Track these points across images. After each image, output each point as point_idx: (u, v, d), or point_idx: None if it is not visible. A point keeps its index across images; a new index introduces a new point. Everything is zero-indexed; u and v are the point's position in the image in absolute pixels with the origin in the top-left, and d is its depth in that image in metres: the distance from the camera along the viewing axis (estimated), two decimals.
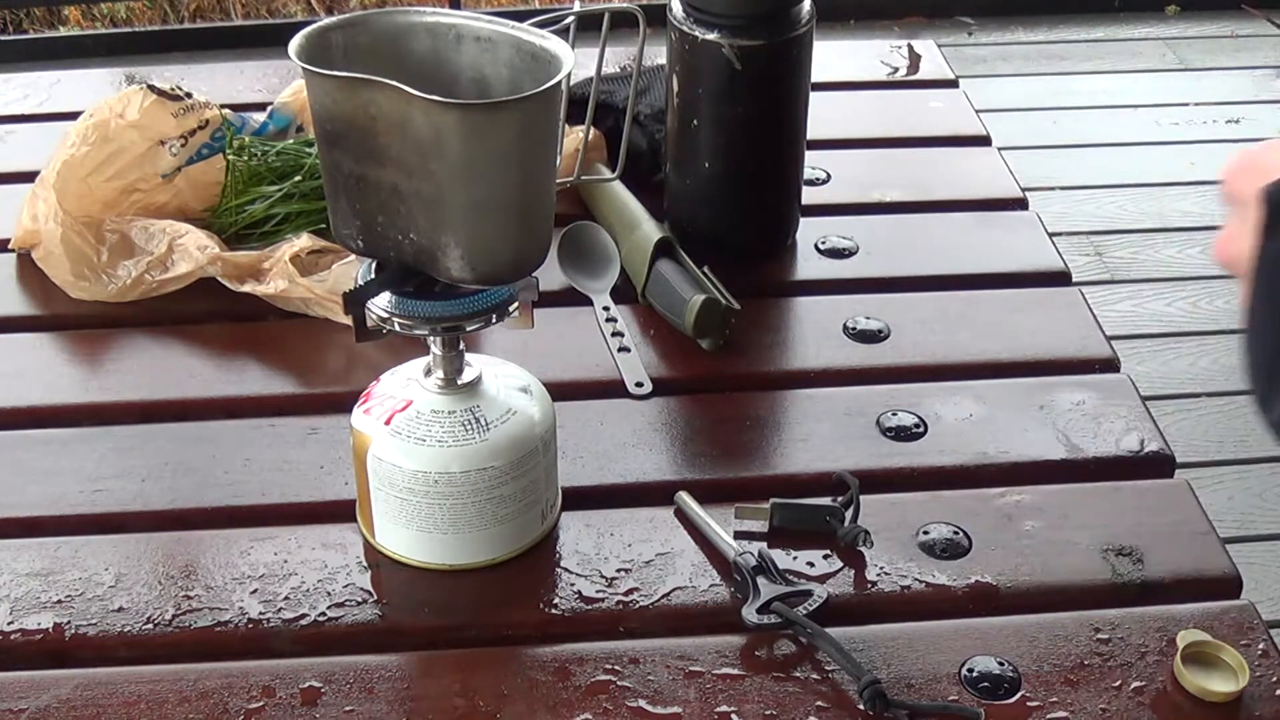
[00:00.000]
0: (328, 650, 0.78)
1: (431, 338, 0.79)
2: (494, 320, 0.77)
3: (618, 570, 0.82)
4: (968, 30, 3.45)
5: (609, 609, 0.80)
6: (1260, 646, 0.76)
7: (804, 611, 0.77)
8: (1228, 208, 0.69)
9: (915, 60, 1.44)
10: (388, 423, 0.79)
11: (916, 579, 0.82)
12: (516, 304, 0.78)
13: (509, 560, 0.83)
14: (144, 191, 1.10)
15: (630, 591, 0.81)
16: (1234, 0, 3.50)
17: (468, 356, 0.81)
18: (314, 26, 0.75)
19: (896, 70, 1.43)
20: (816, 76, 1.08)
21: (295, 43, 0.73)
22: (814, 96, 1.09)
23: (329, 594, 0.81)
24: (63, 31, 3.54)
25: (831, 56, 1.37)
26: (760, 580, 0.79)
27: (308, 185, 1.10)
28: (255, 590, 0.81)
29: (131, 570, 0.82)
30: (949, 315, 1.06)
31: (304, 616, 0.79)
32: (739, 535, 0.84)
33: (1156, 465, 0.91)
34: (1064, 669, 0.75)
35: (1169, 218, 2.61)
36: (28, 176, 1.11)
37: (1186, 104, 3.02)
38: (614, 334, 1.02)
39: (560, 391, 0.86)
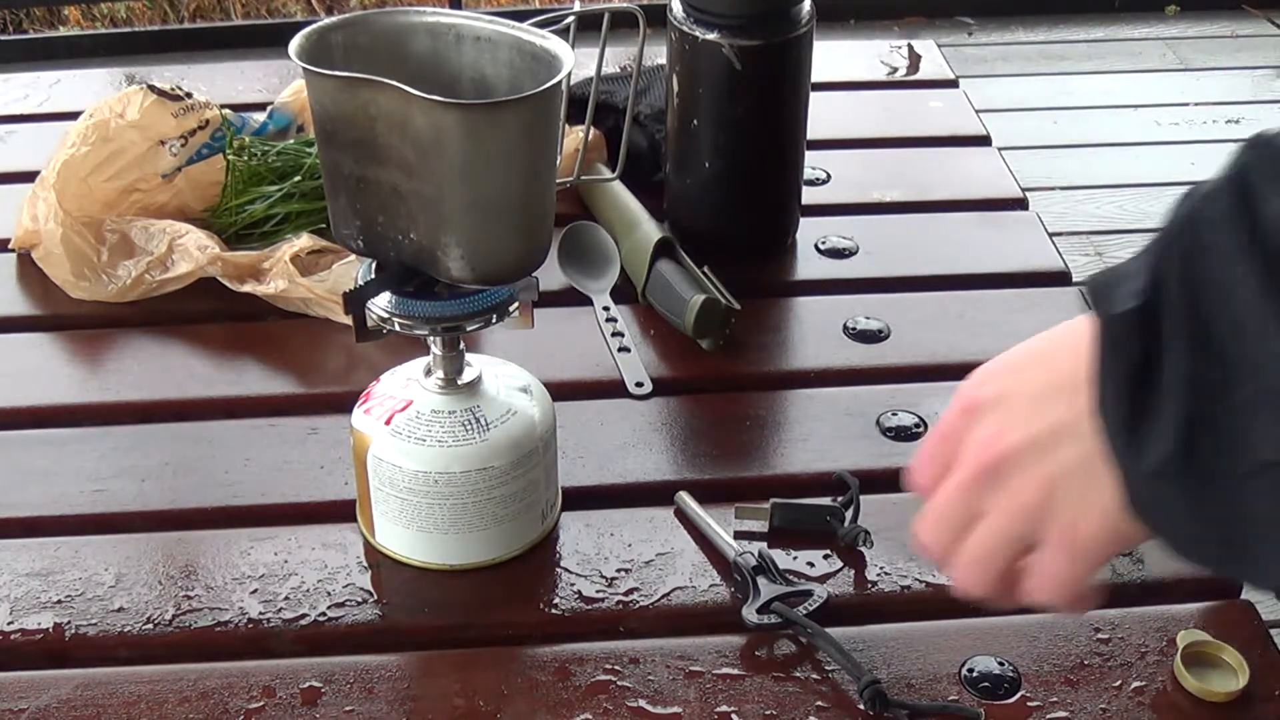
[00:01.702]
0: (328, 650, 0.78)
1: (431, 338, 0.79)
2: (494, 320, 0.77)
3: (618, 570, 0.82)
4: (968, 30, 3.45)
5: (609, 609, 0.80)
6: (1260, 646, 0.76)
7: (804, 612, 0.77)
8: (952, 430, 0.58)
9: (915, 60, 1.44)
10: (388, 423, 0.79)
11: (916, 579, 0.82)
12: (516, 304, 0.78)
13: (509, 560, 0.83)
14: (144, 191, 1.10)
15: (630, 591, 0.81)
16: (1234, 0, 3.51)
17: (468, 356, 0.81)
18: (314, 26, 0.75)
19: (896, 70, 1.43)
20: (816, 76, 1.08)
21: (295, 43, 0.73)
22: (814, 96, 1.09)
23: (329, 594, 0.81)
24: (63, 31, 3.54)
25: (831, 56, 1.37)
26: (760, 580, 0.79)
27: (308, 185, 1.10)
28: (255, 590, 0.81)
29: (131, 570, 0.82)
30: (949, 315, 1.06)
31: (304, 616, 0.79)
32: (739, 535, 0.84)
33: None
34: (1064, 669, 0.75)
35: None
36: (28, 176, 1.11)
37: (1186, 104, 3.03)
38: (614, 334, 1.02)
39: (560, 391, 0.86)
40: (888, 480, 0.89)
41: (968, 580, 0.59)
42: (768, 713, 0.73)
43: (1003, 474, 0.56)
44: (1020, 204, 1.20)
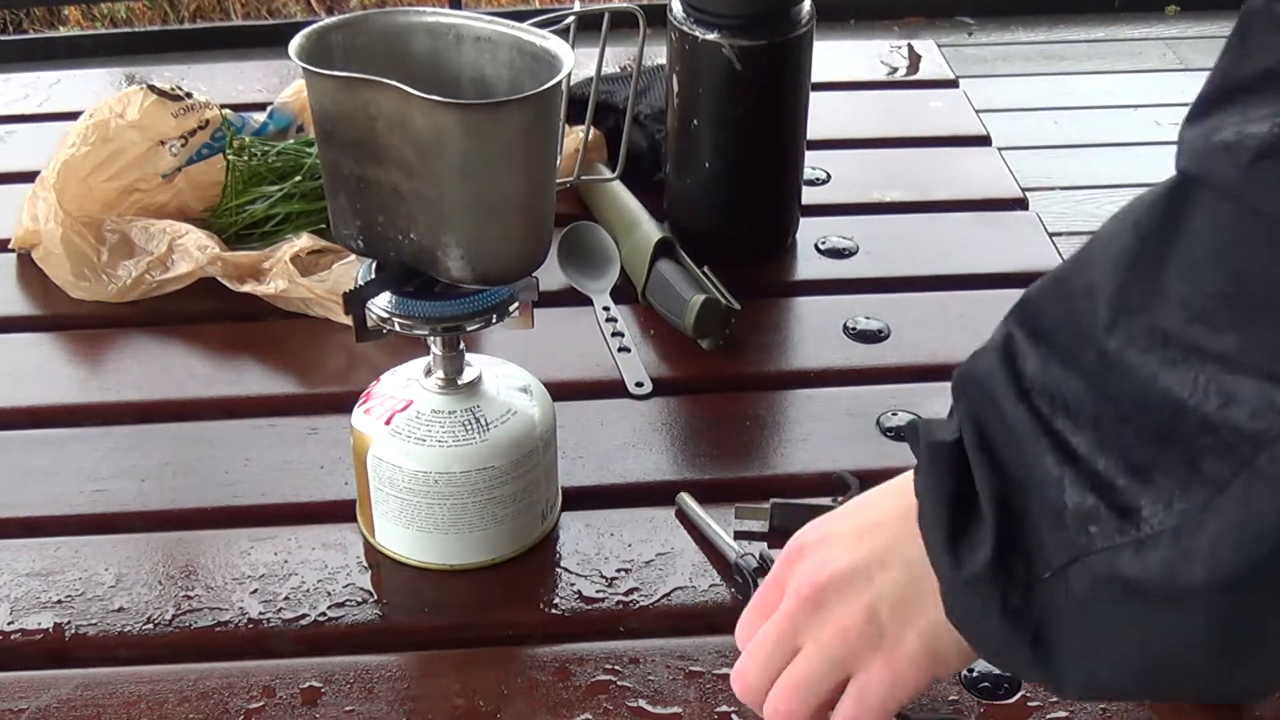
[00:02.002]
0: (328, 650, 0.78)
1: (431, 338, 0.79)
2: (494, 320, 0.77)
3: (618, 570, 0.82)
4: (968, 30, 3.45)
5: (609, 609, 0.80)
6: None
7: None
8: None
9: (915, 60, 1.44)
10: (388, 423, 0.79)
11: None
12: (516, 304, 0.78)
13: (509, 560, 0.83)
14: (144, 191, 1.10)
15: (630, 591, 0.81)
16: (1234, 0, 3.50)
17: (468, 356, 0.81)
18: (314, 26, 0.75)
19: (896, 70, 1.43)
20: (816, 76, 1.08)
21: (295, 43, 0.73)
22: (814, 96, 1.09)
23: (329, 594, 0.81)
24: (63, 31, 3.54)
25: (831, 56, 1.37)
26: (761, 582, 0.79)
27: (308, 185, 1.10)
28: (255, 590, 0.81)
29: (131, 570, 0.82)
30: (949, 315, 1.06)
31: (304, 616, 0.79)
32: (739, 535, 0.84)
33: None
34: None
35: None
36: (28, 176, 1.11)
37: (1186, 104, 3.01)
38: (614, 334, 1.02)
39: (560, 391, 0.86)
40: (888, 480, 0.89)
41: (784, 713, 0.62)
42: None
43: (825, 603, 0.60)
44: (1020, 204, 1.20)
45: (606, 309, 1.05)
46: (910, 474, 0.58)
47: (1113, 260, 0.50)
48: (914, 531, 0.57)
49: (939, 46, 1.47)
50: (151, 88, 1.12)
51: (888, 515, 0.60)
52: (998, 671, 0.75)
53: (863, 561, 0.60)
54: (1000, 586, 0.53)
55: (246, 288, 1.04)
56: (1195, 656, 0.50)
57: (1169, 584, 0.48)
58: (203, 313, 1.05)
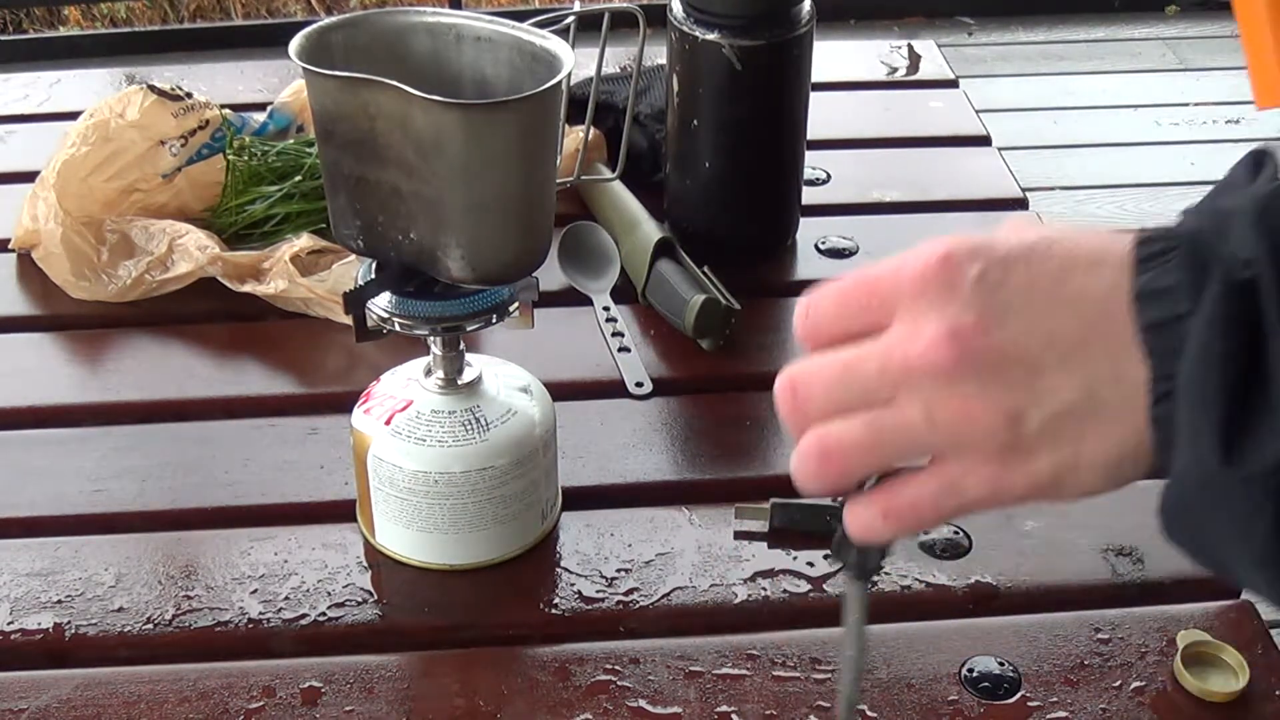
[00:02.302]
0: (328, 650, 0.78)
1: (431, 338, 0.79)
2: (494, 320, 0.77)
3: (618, 570, 0.82)
4: (968, 30, 3.45)
5: (609, 609, 0.80)
6: (1260, 646, 0.76)
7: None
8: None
9: (915, 60, 1.44)
10: (388, 423, 0.79)
11: (916, 579, 0.82)
12: (516, 304, 0.78)
13: (509, 560, 0.83)
14: (144, 191, 1.10)
15: (630, 591, 0.81)
16: None
17: (468, 356, 0.81)
18: (314, 26, 0.75)
19: (896, 70, 1.43)
20: (816, 76, 1.08)
21: (295, 43, 0.73)
22: (814, 96, 1.09)
23: (329, 594, 0.81)
24: (62, 31, 3.54)
25: (831, 56, 1.37)
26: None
27: (308, 185, 1.10)
28: (255, 590, 0.81)
29: (131, 570, 0.82)
30: None
31: (304, 616, 0.79)
32: (739, 535, 0.84)
33: None
34: (1064, 669, 0.75)
35: (1169, 218, 2.61)
36: (28, 176, 1.11)
37: (1186, 104, 3.03)
38: (614, 334, 1.02)
39: (560, 391, 0.86)
40: None
41: (826, 471, 0.48)
42: (768, 713, 0.73)
43: (966, 375, 0.45)
44: (1020, 204, 1.20)
45: (606, 309, 1.05)
46: (1129, 249, 0.45)
47: None
48: (1121, 349, 0.44)
49: (939, 46, 1.47)
50: (151, 88, 1.12)
51: (1092, 293, 0.44)
52: (997, 671, 0.75)
53: (1037, 347, 0.45)
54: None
55: (246, 288, 1.04)
56: None
57: None
58: (203, 313, 1.05)
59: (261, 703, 0.74)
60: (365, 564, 0.83)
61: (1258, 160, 0.44)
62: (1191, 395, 0.42)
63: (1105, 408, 0.45)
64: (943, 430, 0.46)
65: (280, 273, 1.03)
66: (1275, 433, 0.41)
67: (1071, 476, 0.47)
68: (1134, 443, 0.45)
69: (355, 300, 0.76)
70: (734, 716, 0.73)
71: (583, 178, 1.10)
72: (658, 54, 1.13)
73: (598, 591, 0.81)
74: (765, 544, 0.83)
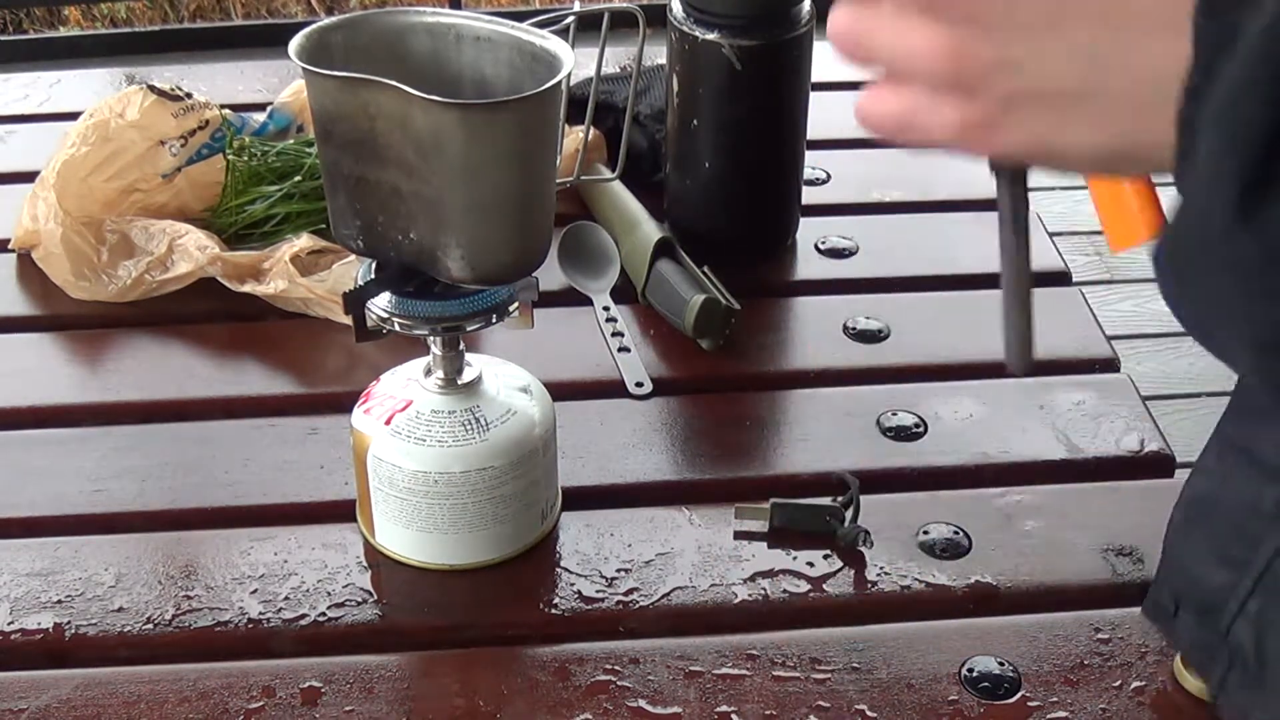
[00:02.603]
0: (328, 650, 0.78)
1: (431, 338, 0.79)
2: (494, 320, 0.77)
3: (618, 570, 0.82)
4: None
5: (609, 609, 0.80)
6: None
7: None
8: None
9: None
10: (388, 423, 0.79)
11: (916, 579, 0.82)
12: (516, 304, 0.78)
13: (509, 560, 0.83)
14: (144, 191, 1.10)
15: (630, 591, 0.81)
16: None
17: (468, 356, 0.81)
18: (314, 26, 0.75)
19: None
20: (816, 76, 1.08)
21: (295, 43, 0.73)
22: (814, 96, 1.09)
23: (329, 594, 0.81)
24: (63, 31, 3.54)
25: (831, 56, 1.37)
26: None
27: (308, 185, 1.10)
28: (255, 590, 0.81)
29: (131, 570, 0.82)
30: (949, 315, 1.06)
31: (304, 616, 0.79)
32: (739, 535, 0.84)
33: (1157, 465, 0.91)
34: (1064, 669, 0.75)
35: (1169, 216, 2.61)
36: (28, 176, 1.11)
37: None
38: (614, 334, 1.02)
39: (560, 391, 0.86)
40: (888, 480, 0.89)
41: (889, 100, 0.46)
42: (768, 713, 0.73)
43: (983, 20, 0.42)
44: None
45: (606, 309, 1.05)
46: None
47: None
48: (1154, 25, 0.39)
49: None
50: (151, 88, 1.12)
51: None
52: (997, 671, 0.75)
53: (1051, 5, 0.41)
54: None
55: (246, 288, 1.04)
56: None
57: None
58: (203, 313, 1.05)
59: (261, 703, 0.74)
60: (365, 564, 0.83)
61: None
62: (1224, 116, 0.36)
63: (1110, 90, 0.40)
64: (902, 59, 0.45)
65: (280, 273, 1.03)
66: None
67: (1048, 157, 0.43)
68: (1133, 140, 0.41)
69: (355, 300, 0.76)
70: (734, 716, 0.73)
71: (583, 178, 1.10)
72: (658, 54, 1.13)
73: (597, 591, 0.81)
74: (765, 544, 0.83)
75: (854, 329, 1.03)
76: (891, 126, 0.46)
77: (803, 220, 1.15)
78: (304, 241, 1.05)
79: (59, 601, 0.80)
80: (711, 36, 1.03)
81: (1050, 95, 0.42)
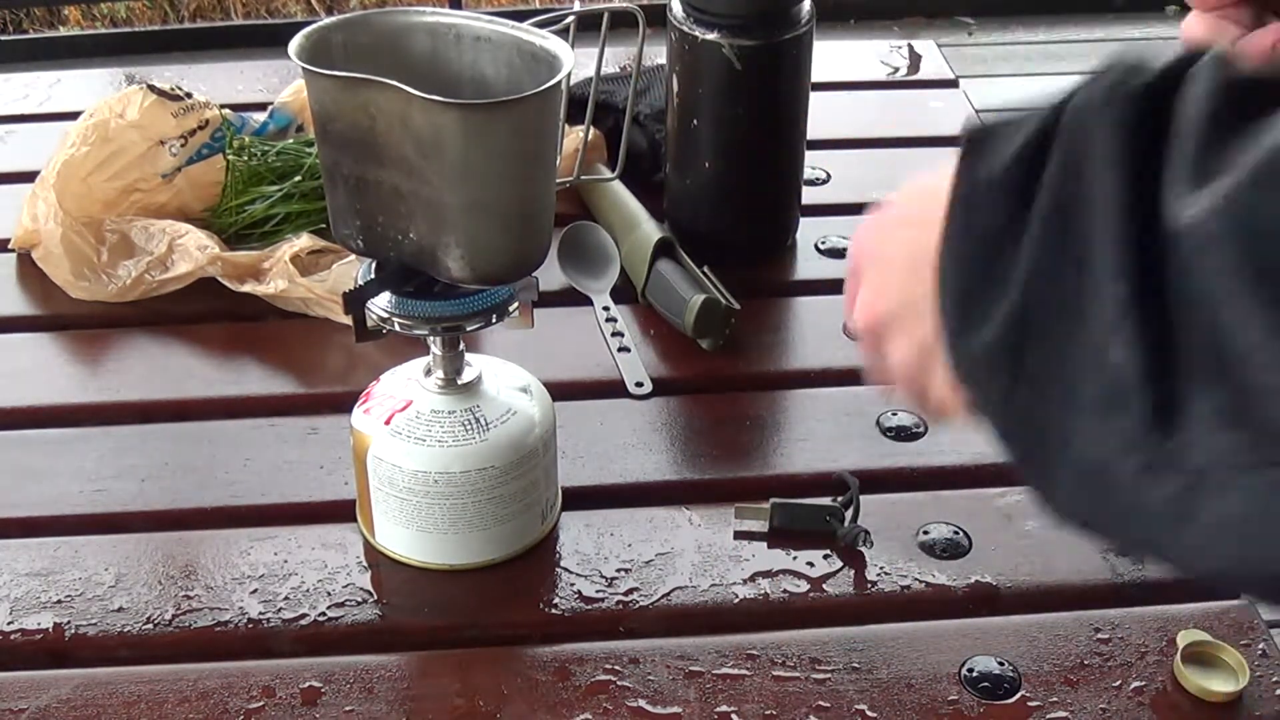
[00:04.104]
0: (328, 650, 0.78)
1: (431, 338, 0.79)
2: (494, 320, 0.77)
3: (618, 570, 0.82)
4: (968, 30, 3.45)
5: (609, 609, 0.80)
6: (1260, 646, 0.76)
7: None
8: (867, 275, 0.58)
9: (915, 60, 1.44)
10: (388, 423, 0.79)
11: (916, 579, 0.82)
12: (516, 304, 0.78)
13: (509, 560, 0.83)
14: (144, 191, 1.10)
15: (630, 591, 0.81)
16: None
17: (468, 356, 0.81)
18: (314, 26, 0.75)
19: (896, 70, 1.43)
20: (816, 76, 1.08)
21: (295, 43, 0.73)
22: (814, 96, 1.09)
23: (329, 594, 0.81)
24: (63, 31, 3.54)
25: (831, 56, 1.37)
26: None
27: (308, 185, 1.10)
28: (255, 590, 0.81)
29: (131, 570, 0.82)
30: None
31: (304, 616, 0.79)
32: (739, 535, 0.84)
33: None
34: (1064, 669, 0.75)
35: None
36: (28, 176, 1.11)
37: None
38: (614, 334, 1.02)
39: (560, 391, 0.86)
40: (888, 480, 0.89)
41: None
42: (768, 713, 0.73)
43: (881, 337, 0.56)
44: None
45: (606, 309, 1.05)
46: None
47: None
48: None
49: (939, 46, 1.47)
50: (151, 88, 1.12)
51: (927, 252, 0.49)
52: (997, 671, 0.75)
53: (905, 306, 0.53)
54: (1005, 379, 0.44)
55: (246, 288, 1.04)
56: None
57: (1160, 523, 0.40)
58: (203, 313, 1.05)
59: (261, 703, 0.74)
60: (365, 564, 0.83)
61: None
62: (944, 261, 0.47)
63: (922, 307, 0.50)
64: (897, 366, 0.56)
65: (280, 273, 1.03)
66: (988, 317, 0.44)
67: (915, 374, 0.54)
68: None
69: (355, 300, 0.76)
70: (734, 716, 0.73)
71: (583, 178, 1.10)
72: (658, 54, 1.13)
73: (597, 591, 0.81)
74: (765, 544, 0.83)
75: None
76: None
77: (803, 220, 1.15)
78: (304, 241, 1.05)
79: (59, 601, 0.80)
80: (711, 36, 1.03)
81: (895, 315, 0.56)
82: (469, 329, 0.78)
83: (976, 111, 1.34)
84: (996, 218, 0.44)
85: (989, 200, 0.45)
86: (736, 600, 0.80)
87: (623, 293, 1.06)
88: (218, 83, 1.34)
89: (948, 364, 0.47)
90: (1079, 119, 0.42)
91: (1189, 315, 0.38)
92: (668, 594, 0.81)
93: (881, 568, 0.82)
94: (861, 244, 0.58)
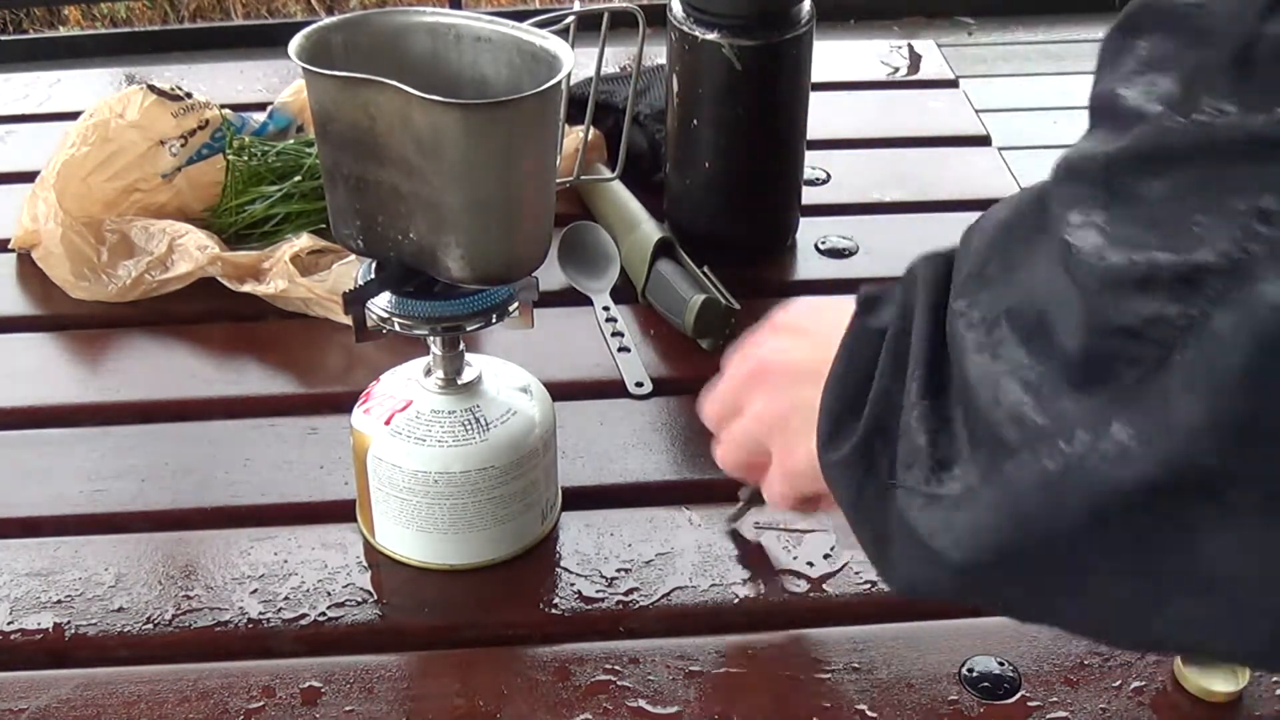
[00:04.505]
0: (328, 650, 0.78)
1: (431, 338, 0.79)
2: (494, 320, 0.77)
3: (618, 570, 0.82)
4: (968, 30, 3.45)
5: (609, 609, 0.80)
6: None
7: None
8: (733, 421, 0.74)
9: (915, 60, 1.44)
10: (388, 423, 0.79)
11: None
12: (516, 304, 0.78)
13: (509, 560, 0.83)
14: (144, 191, 1.10)
15: (630, 591, 0.81)
16: None
17: (468, 356, 0.81)
18: (314, 26, 0.75)
19: (896, 70, 1.43)
20: (816, 76, 1.08)
21: (295, 43, 0.73)
22: (814, 96, 1.09)
23: (329, 594, 0.81)
24: (63, 31, 3.55)
25: (831, 56, 1.37)
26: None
27: (308, 185, 1.10)
28: (255, 590, 0.81)
29: (131, 570, 0.82)
30: None
31: (304, 616, 0.79)
32: (736, 536, 0.84)
33: None
34: (1064, 669, 0.75)
35: None
36: (28, 176, 1.11)
37: None
38: (614, 334, 1.02)
39: (560, 391, 0.86)
40: None
41: (722, 457, 0.76)
42: (768, 713, 0.73)
43: (763, 384, 0.70)
44: None
45: (606, 309, 1.05)
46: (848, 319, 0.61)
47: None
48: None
49: (939, 46, 1.47)
50: (151, 88, 1.12)
51: (828, 353, 0.61)
52: (997, 671, 0.75)
53: (799, 371, 0.66)
54: (858, 478, 0.57)
55: (246, 288, 1.04)
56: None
57: (929, 545, 0.52)
58: (203, 313, 1.05)
59: (261, 703, 0.74)
60: (365, 564, 0.83)
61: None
62: (825, 394, 0.60)
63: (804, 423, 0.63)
64: (758, 419, 0.72)
65: (280, 273, 1.03)
66: (850, 434, 0.57)
67: (813, 464, 0.62)
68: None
69: (355, 300, 0.76)
70: (734, 716, 0.73)
71: (583, 178, 1.10)
72: (658, 54, 1.13)
73: (597, 591, 0.81)
74: (765, 544, 0.83)
75: None
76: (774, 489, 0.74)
77: (803, 220, 1.15)
78: (304, 241, 1.05)
79: (59, 601, 0.80)
80: (711, 36, 1.03)
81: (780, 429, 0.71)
82: (469, 329, 0.78)
83: (976, 111, 1.34)
84: (871, 356, 0.58)
85: (868, 344, 0.58)
86: (736, 600, 0.80)
87: (623, 293, 1.06)
88: (218, 83, 1.34)
89: (818, 463, 0.60)
90: (910, 274, 0.57)
91: (960, 382, 0.51)
92: (668, 594, 0.81)
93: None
94: (784, 318, 0.72)
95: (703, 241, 1.08)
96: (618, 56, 1.33)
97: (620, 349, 1.01)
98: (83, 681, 0.75)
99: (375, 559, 0.83)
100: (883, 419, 0.55)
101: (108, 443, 0.93)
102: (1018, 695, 0.74)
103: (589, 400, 0.96)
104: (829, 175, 1.23)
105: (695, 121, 1.07)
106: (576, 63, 0.75)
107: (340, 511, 0.86)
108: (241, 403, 0.97)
